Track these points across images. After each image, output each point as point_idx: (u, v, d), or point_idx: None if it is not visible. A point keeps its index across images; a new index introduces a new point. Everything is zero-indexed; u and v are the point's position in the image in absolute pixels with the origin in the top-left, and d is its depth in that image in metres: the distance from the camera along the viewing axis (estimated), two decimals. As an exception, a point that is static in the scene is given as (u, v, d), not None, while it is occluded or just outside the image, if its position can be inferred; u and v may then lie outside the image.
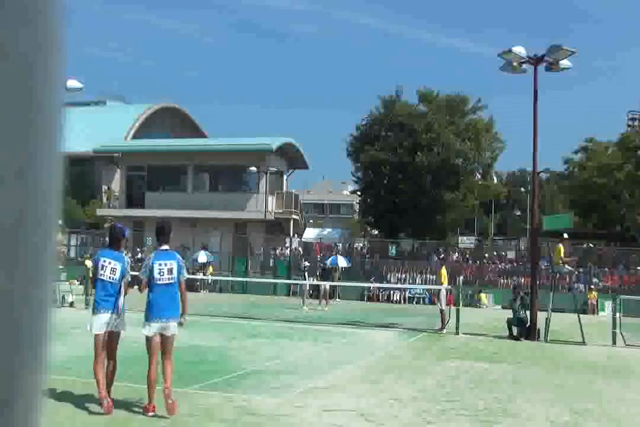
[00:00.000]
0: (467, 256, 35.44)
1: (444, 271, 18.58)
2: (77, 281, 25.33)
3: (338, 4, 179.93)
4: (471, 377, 10.45)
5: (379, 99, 42.55)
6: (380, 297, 29.84)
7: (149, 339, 6.94)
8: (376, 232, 47.21)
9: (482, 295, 29.39)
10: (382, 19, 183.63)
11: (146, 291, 7.24)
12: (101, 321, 7.10)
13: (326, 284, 23.98)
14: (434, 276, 26.99)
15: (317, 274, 26.07)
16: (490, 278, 32.51)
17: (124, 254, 7.73)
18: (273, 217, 36.77)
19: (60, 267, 21.90)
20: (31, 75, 0.47)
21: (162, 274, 6.94)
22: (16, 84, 0.46)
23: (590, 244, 33.98)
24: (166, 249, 7.24)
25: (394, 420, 7.40)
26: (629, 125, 66.69)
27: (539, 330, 16.14)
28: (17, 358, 0.48)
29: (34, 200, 0.48)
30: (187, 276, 7.48)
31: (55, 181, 0.50)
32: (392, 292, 29.82)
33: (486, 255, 35.48)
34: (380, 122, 41.39)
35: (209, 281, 31.42)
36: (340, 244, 38.52)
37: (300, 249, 36.98)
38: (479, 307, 28.43)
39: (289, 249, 35.35)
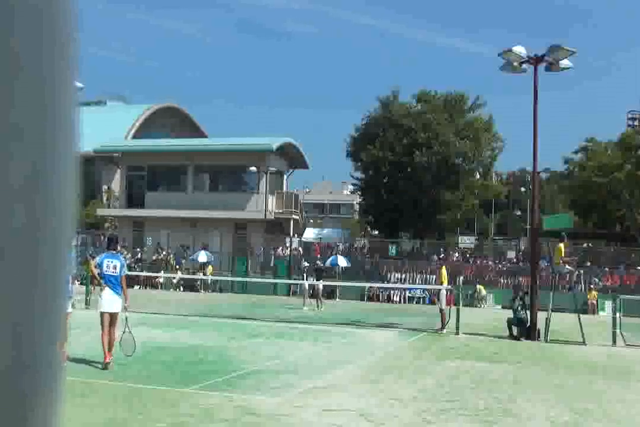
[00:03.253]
0: (467, 256, 35.43)
1: (443, 271, 18.57)
2: (78, 281, 25.33)
3: (337, 3, 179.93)
4: (471, 377, 10.44)
5: (377, 100, 42.69)
6: (380, 297, 29.82)
7: (102, 315, 9.94)
8: (376, 232, 47.22)
9: (481, 286, 29.23)
10: (382, 19, 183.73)
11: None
12: None
13: (319, 284, 23.93)
14: (434, 276, 27.00)
15: (312, 274, 25.95)
16: (490, 278, 32.50)
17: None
18: (273, 217, 36.75)
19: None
20: (45, 78, 0.47)
21: (108, 267, 10.11)
22: (30, 87, 0.46)
23: (590, 244, 33.98)
24: (114, 253, 10.48)
25: (394, 420, 7.40)
26: (629, 125, 66.77)
27: (539, 330, 16.13)
28: (33, 364, 0.48)
29: (51, 202, 0.48)
30: (127, 272, 10.74)
31: (70, 182, 0.50)
32: (392, 292, 29.79)
33: (485, 255, 35.50)
34: (378, 121, 41.41)
35: (209, 281, 31.42)
36: (341, 244, 38.51)
37: (300, 249, 36.97)
38: (479, 303, 28.33)
39: (289, 249, 35.33)
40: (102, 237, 36.55)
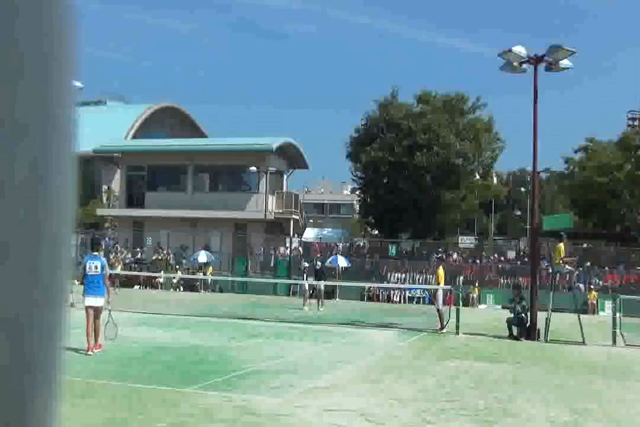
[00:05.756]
0: (467, 256, 35.43)
1: (441, 271, 18.57)
2: (77, 281, 25.30)
3: (336, 3, 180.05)
4: (471, 377, 10.44)
5: (374, 102, 42.70)
6: (380, 297, 29.82)
7: (86, 309, 11.11)
8: (376, 232, 47.20)
9: (476, 288, 29.29)
10: (381, 19, 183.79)
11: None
12: None
13: (321, 284, 23.92)
14: (434, 276, 26.97)
15: (312, 274, 25.96)
16: (490, 278, 32.49)
17: None
18: (273, 217, 36.76)
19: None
20: (45, 78, 0.48)
21: (90, 268, 11.33)
22: (30, 87, 0.46)
23: (590, 244, 33.97)
24: (95, 254, 11.73)
25: (394, 420, 7.40)
26: (629, 125, 66.83)
27: (539, 330, 16.13)
28: (33, 362, 0.48)
29: (50, 202, 0.48)
30: (109, 271, 12.17)
31: (69, 182, 0.51)
32: (392, 292, 29.78)
33: (485, 254, 35.49)
34: (377, 122, 41.39)
35: (209, 281, 31.41)
36: (341, 244, 38.51)
37: (300, 249, 36.96)
38: (473, 304, 28.26)
39: (289, 249, 35.33)
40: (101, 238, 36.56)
